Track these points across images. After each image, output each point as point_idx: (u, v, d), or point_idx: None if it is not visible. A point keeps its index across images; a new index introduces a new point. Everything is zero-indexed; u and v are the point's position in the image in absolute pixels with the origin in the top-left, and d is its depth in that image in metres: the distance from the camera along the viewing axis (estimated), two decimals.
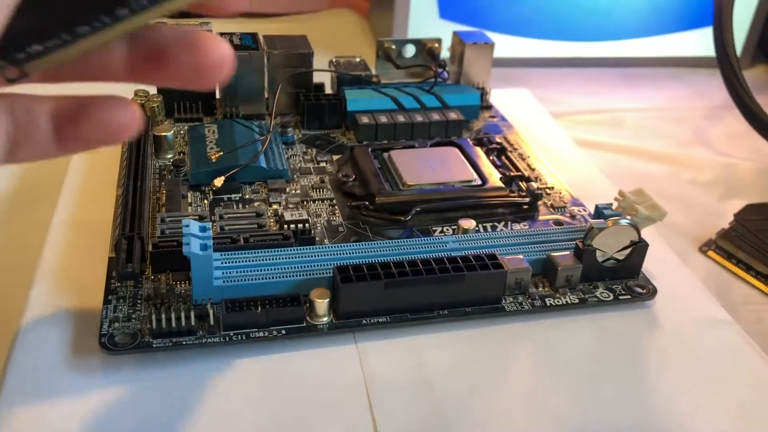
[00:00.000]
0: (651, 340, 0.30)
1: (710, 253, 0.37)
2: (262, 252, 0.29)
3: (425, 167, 0.37)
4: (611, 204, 0.33)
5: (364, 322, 0.28)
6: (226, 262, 0.28)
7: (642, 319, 0.31)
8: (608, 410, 0.26)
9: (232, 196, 0.35)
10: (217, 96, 0.43)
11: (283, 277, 0.28)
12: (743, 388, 0.28)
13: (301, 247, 0.30)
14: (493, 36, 0.46)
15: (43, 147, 0.20)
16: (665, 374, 0.28)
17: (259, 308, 0.27)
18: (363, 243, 0.30)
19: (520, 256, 0.30)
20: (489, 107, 0.47)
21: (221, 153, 0.37)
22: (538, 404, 0.26)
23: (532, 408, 0.26)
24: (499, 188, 0.36)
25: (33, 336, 0.27)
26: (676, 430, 0.25)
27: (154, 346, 0.26)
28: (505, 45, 0.45)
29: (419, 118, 0.41)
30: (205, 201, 0.35)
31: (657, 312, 0.31)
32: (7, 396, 0.24)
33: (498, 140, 0.42)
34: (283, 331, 0.27)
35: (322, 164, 0.39)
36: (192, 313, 0.26)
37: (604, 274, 0.31)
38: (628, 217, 0.31)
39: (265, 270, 0.28)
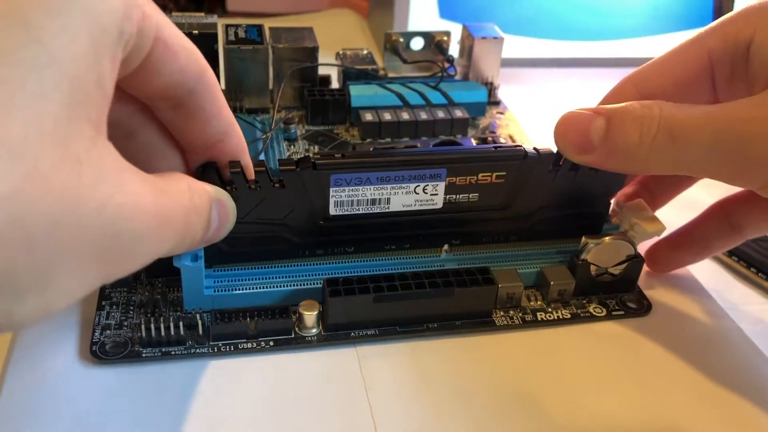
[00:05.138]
0: (650, 340, 0.30)
1: None
2: None
3: None
4: (609, 216, 0.32)
5: (352, 334, 0.28)
6: (218, 270, 0.29)
7: (641, 319, 0.31)
8: (607, 410, 0.26)
9: None
10: (222, 89, 0.43)
11: (274, 287, 0.28)
12: (743, 389, 0.27)
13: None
14: None
15: None
16: (664, 374, 0.28)
17: (248, 319, 0.27)
18: (355, 252, 0.30)
19: (514, 269, 0.30)
20: (497, 103, 0.46)
21: None
22: (533, 411, 0.26)
23: (526, 417, 0.26)
24: None
25: (32, 337, 0.27)
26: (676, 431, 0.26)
27: (143, 355, 0.26)
28: (505, 44, 0.44)
29: (424, 116, 0.41)
30: None
31: (656, 312, 0.31)
32: (7, 396, 0.25)
33: (502, 139, 0.42)
34: (272, 343, 0.27)
35: None
36: (181, 323, 0.27)
37: (598, 288, 0.31)
38: (624, 232, 0.31)
39: (256, 279, 0.28)
